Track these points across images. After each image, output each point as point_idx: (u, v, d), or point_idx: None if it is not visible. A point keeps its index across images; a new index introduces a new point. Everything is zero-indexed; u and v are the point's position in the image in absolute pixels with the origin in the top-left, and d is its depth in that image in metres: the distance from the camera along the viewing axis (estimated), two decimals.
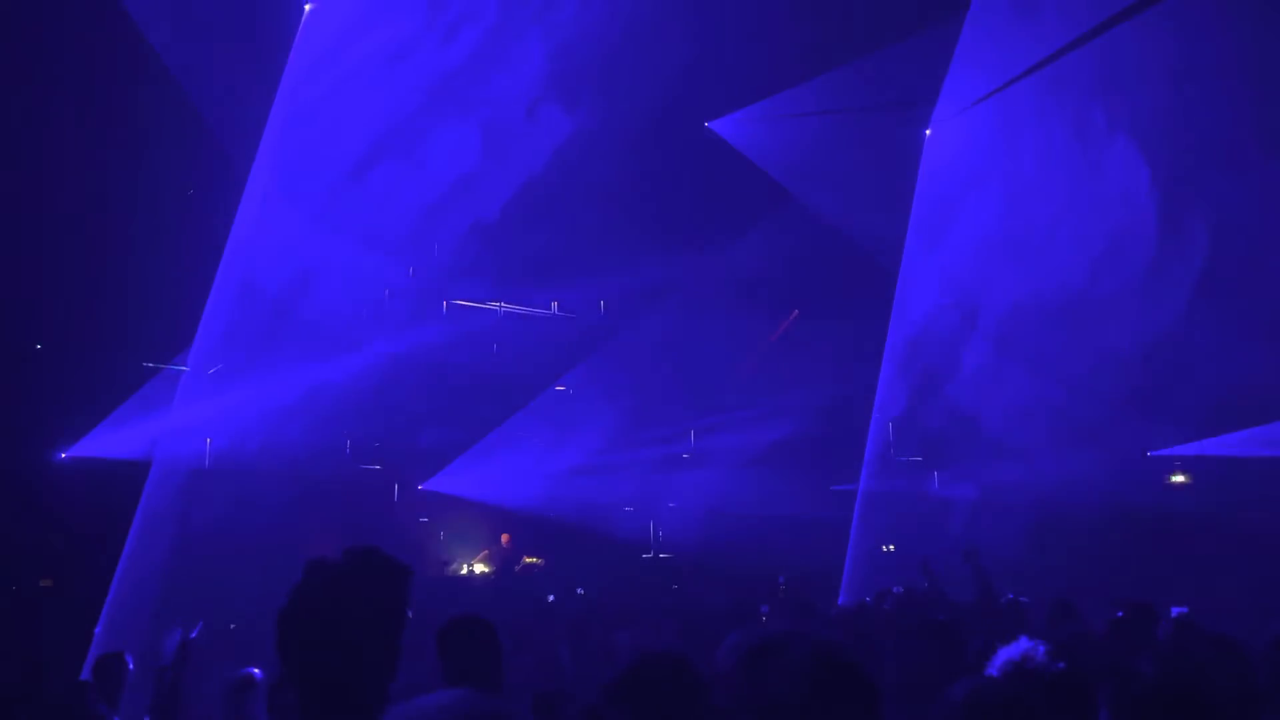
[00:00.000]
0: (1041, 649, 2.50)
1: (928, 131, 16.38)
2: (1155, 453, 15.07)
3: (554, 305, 16.68)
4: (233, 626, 9.17)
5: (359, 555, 1.95)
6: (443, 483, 16.18)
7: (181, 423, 13.06)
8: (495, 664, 3.46)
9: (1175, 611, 6.70)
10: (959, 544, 9.19)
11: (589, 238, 15.17)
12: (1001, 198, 15.75)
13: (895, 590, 9.40)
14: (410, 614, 1.95)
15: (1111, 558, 12.79)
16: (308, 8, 13.57)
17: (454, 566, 15.85)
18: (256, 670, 5.23)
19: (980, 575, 8.08)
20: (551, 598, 11.55)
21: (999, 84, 14.89)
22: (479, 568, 15.91)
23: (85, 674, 5.59)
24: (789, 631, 1.74)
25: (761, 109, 16.02)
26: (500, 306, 16.18)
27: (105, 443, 12.63)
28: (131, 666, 5.68)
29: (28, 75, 11.42)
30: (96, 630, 10.94)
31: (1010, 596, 7.92)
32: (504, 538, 16.52)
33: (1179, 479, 15.45)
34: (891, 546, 16.14)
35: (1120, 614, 6.51)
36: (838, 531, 16.24)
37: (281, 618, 1.89)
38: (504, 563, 16.00)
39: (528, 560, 16.01)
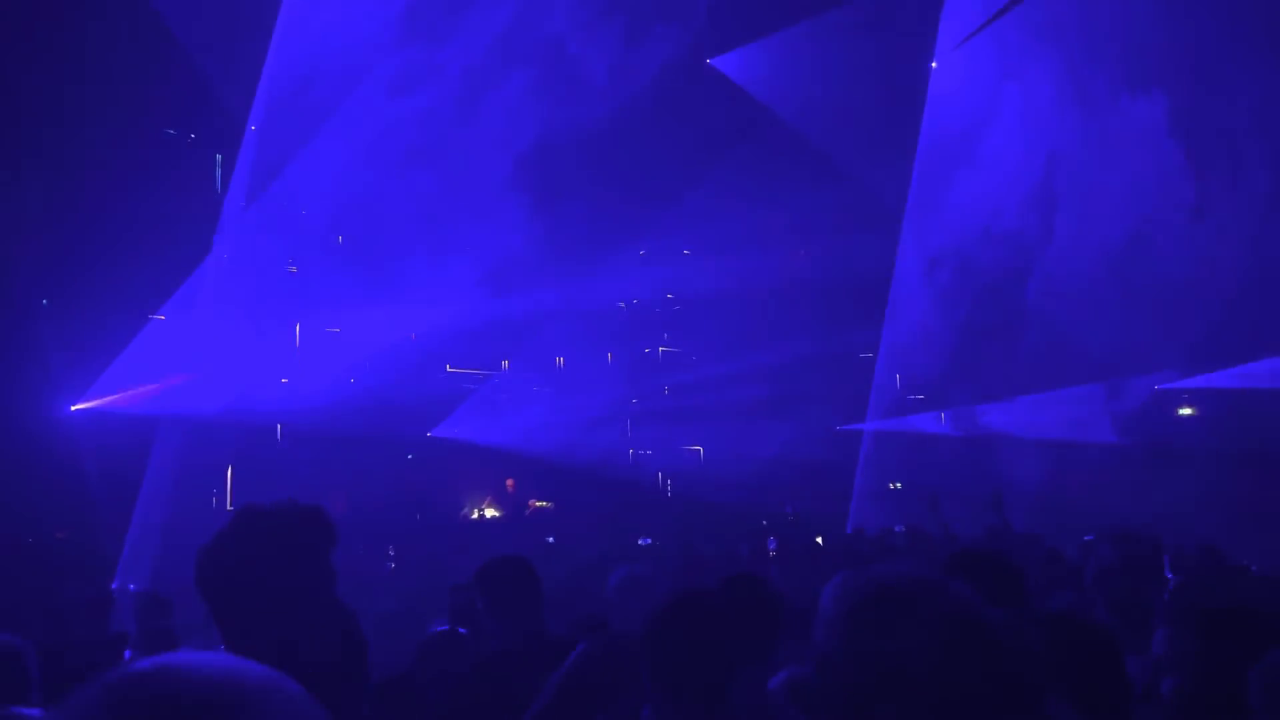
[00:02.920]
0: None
1: (933, 65, 16.10)
2: (1163, 386, 15.05)
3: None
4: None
5: (287, 505, 1.91)
6: (451, 428, 16.25)
7: (186, 373, 13.11)
8: (536, 601, 3.52)
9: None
10: (969, 482, 9.19)
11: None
12: (1012, 132, 15.54)
13: (897, 529, 9.44)
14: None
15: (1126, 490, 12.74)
16: None
17: (466, 511, 16.02)
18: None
19: (1001, 519, 8.11)
20: (551, 539, 11.66)
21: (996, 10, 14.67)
22: (489, 512, 16.07)
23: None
24: (915, 578, 1.36)
25: (765, 46, 15.78)
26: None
27: (111, 393, 12.70)
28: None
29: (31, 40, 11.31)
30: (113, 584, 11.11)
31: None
32: (509, 482, 16.64)
33: (1186, 411, 15.44)
34: (899, 484, 16.22)
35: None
36: (844, 472, 16.32)
37: (199, 561, 1.85)
38: (513, 506, 16.15)
39: (536, 504, 16.15)
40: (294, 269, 14.34)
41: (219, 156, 13.89)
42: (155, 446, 12.83)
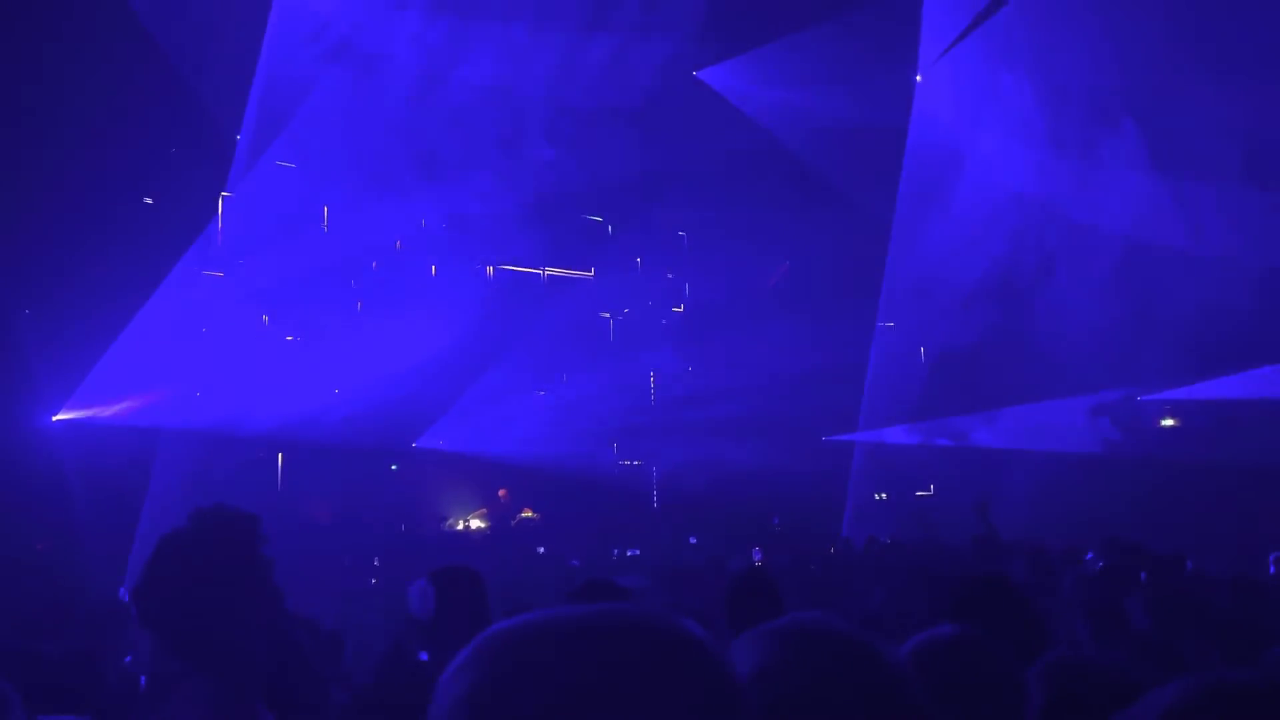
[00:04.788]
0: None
1: (918, 78, 16.19)
2: (1145, 397, 15.13)
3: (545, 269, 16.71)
4: None
5: (203, 516, 1.94)
6: (436, 438, 16.20)
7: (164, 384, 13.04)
8: (483, 611, 3.51)
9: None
10: (961, 492, 9.17)
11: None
12: (998, 145, 15.63)
13: (883, 540, 9.45)
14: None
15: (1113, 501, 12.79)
16: None
17: (450, 522, 15.94)
18: None
19: (987, 526, 8.12)
20: (541, 549, 11.64)
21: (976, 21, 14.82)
22: (475, 523, 16.00)
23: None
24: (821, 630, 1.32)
25: (751, 59, 15.87)
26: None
27: (93, 404, 12.63)
28: None
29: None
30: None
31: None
32: (501, 492, 16.58)
33: (1169, 423, 15.52)
34: (884, 495, 16.24)
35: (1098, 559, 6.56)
36: (834, 482, 16.32)
37: (135, 594, 1.90)
38: (500, 517, 16.08)
39: (524, 514, 16.09)
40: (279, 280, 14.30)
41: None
42: (157, 458, 12.84)
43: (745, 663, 1.31)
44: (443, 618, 3.47)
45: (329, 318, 14.62)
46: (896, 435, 16.79)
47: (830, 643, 1.32)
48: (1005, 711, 1.90)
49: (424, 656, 3.57)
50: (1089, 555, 7.34)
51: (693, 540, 14.35)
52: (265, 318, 13.91)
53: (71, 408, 12.56)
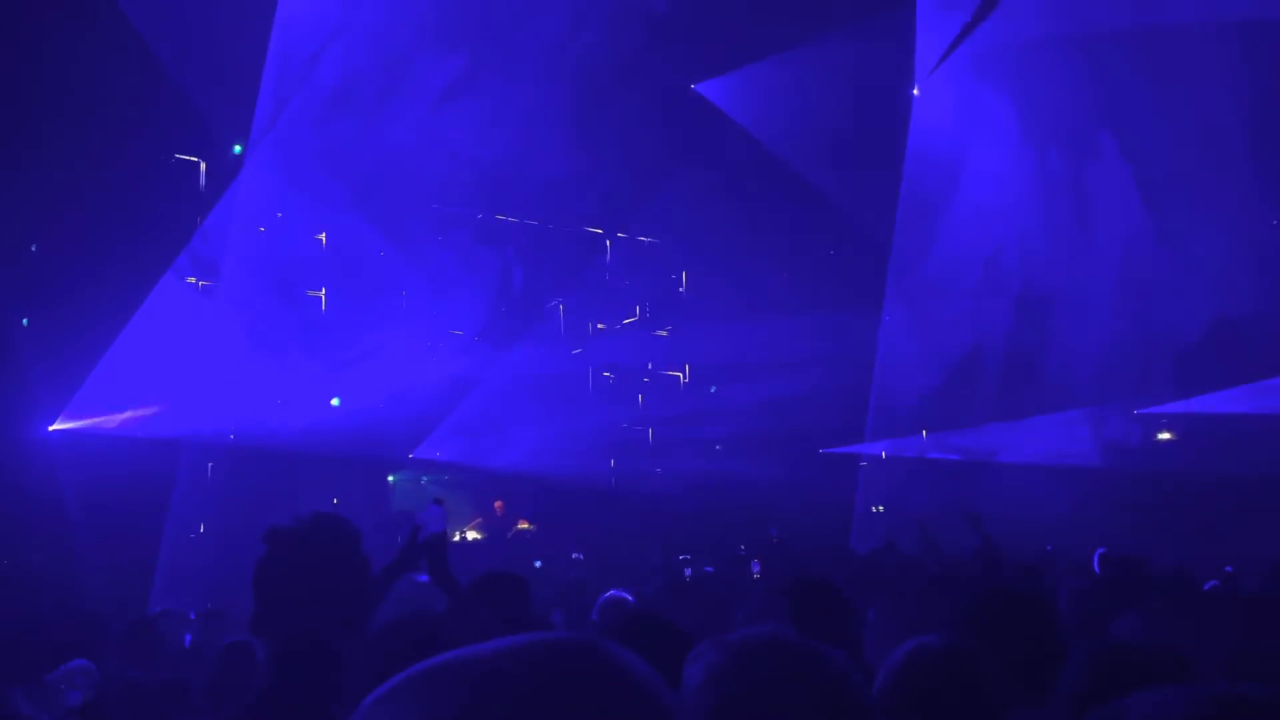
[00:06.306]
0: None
1: (915, 91, 16.26)
2: (1142, 410, 15.17)
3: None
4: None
5: (311, 522, 2.05)
6: (432, 449, 16.18)
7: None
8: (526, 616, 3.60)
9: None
10: (958, 505, 9.14)
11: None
12: (996, 157, 15.71)
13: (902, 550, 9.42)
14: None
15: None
16: None
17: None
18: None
19: (983, 538, 8.10)
20: (539, 563, 11.60)
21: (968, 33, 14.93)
22: (470, 534, 15.97)
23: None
24: (775, 642, 1.40)
25: (748, 73, 15.93)
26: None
27: (90, 415, 12.61)
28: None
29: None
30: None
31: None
32: (497, 505, 16.56)
33: (1165, 436, 15.56)
34: (881, 507, 16.24)
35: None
36: (835, 494, 16.30)
37: (255, 584, 2.02)
38: (496, 529, 16.06)
39: (520, 526, 16.07)
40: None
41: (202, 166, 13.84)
42: (180, 467, 12.90)
43: (695, 672, 1.40)
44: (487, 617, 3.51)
45: (325, 326, 14.60)
46: (897, 448, 16.81)
47: (775, 648, 1.39)
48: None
49: (422, 578, 3.67)
50: (1094, 565, 7.36)
51: (684, 557, 14.34)
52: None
53: (68, 418, 12.53)
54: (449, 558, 3.40)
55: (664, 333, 17.85)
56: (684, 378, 18.11)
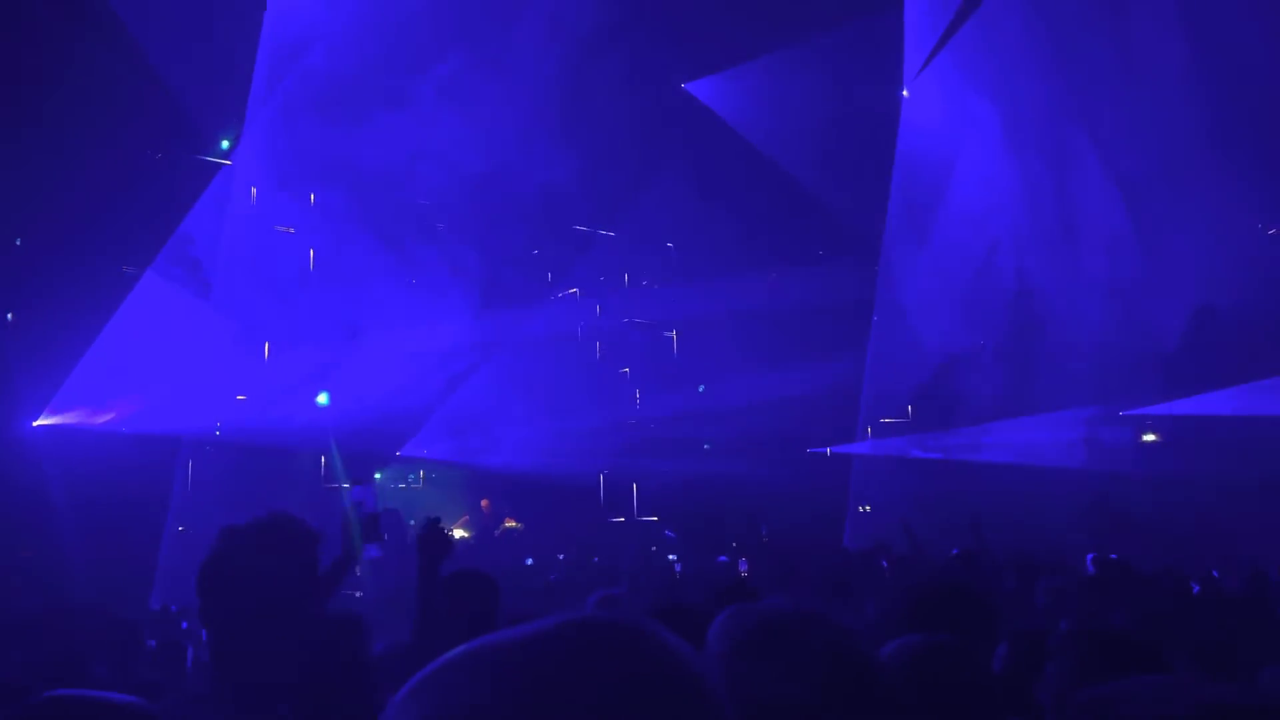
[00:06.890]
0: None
1: (905, 93, 16.30)
2: (1127, 412, 15.24)
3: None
4: None
5: (266, 521, 2.06)
6: (419, 447, 16.15)
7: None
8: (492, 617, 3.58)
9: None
10: (946, 504, 9.19)
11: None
12: (987, 157, 15.76)
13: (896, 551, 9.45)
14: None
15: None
16: None
17: None
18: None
19: (980, 542, 8.14)
20: (530, 561, 11.59)
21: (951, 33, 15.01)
22: (458, 533, 15.93)
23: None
24: (797, 614, 1.41)
25: (738, 73, 15.94)
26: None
27: (74, 409, 12.54)
28: None
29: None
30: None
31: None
32: (484, 503, 16.52)
33: (1150, 438, 15.63)
34: (868, 507, 16.27)
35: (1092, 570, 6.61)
36: (827, 493, 16.32)
37: (199, 577, 2.01)
38: (483, 527, 16.02)
39: (508, 524, 16.04)
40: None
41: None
42: (163, 462, 12.82)
43: (720, 638, 1.40)
44: (448, 620, 3.49)
45: (311, 325, 14.55)
46: (886, 448, 16.85)
47: (799, 617, 1.40)
48: (975, 713, 1.94)
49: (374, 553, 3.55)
50: (1088, 566, 7.39)
51: (672, 557, 14.33)
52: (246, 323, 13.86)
53: (52, 413, 12.45)
54: (381, 530, 3.46)
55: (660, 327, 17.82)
56: (674, 355, 18.05)
